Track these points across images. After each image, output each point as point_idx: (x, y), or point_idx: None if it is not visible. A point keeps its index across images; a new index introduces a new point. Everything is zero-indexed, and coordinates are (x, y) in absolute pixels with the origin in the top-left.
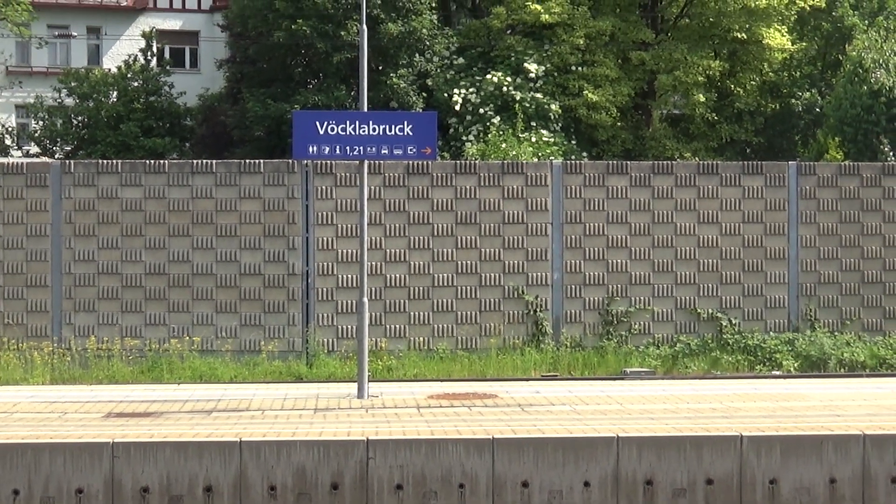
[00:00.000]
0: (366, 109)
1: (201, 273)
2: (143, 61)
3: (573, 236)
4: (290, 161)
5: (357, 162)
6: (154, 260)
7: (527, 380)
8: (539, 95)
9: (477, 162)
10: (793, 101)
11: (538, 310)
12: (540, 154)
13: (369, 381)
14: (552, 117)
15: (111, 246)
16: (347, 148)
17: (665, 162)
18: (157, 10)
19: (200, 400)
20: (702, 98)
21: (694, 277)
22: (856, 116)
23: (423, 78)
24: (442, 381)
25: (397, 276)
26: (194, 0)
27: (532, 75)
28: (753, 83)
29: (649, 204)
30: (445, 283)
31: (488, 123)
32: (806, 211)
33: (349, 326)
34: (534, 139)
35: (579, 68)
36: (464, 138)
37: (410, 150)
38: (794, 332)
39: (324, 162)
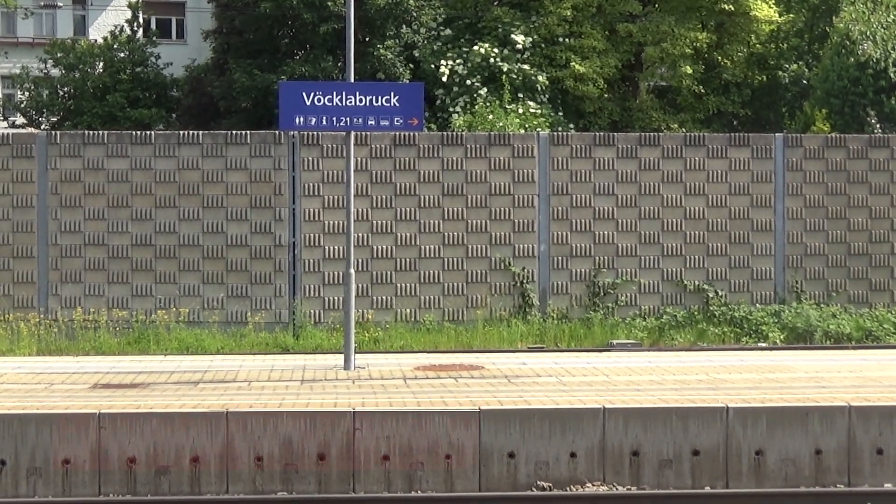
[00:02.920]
0: (352, 80)
1: (188, 244)
2: (129, 32)
3: (560, 208)
4: (277, 132)
5: (343, 133)
6: (140, 231)
7: (513, 351)
8: (526, 67)
9: (464, 133)
10: (780, 73)
11: (525, 281)
12: (527, 125)
13: (356, 352)
14: (539, 89)
15: (97, 217)
16: (334, 119)
17: (652, 134)
18: None
19: (187, 371)
20: (689, 70)
21: (680, 249)
22: (843, 88)
23: (410, 49)
24: (428, 352)
25: (384, 247)
26: None
27: (519, 47)
28: (740, 55)
29: (636, 175)
30: (432, 255)
31: (475, 95)
32: (792, 183)
33: (336, 298)
34: (521, 111)
35: (566, 40)
36: (451, 110)
37: (397, 121)
38: (780, 304)
39: (310, 133)
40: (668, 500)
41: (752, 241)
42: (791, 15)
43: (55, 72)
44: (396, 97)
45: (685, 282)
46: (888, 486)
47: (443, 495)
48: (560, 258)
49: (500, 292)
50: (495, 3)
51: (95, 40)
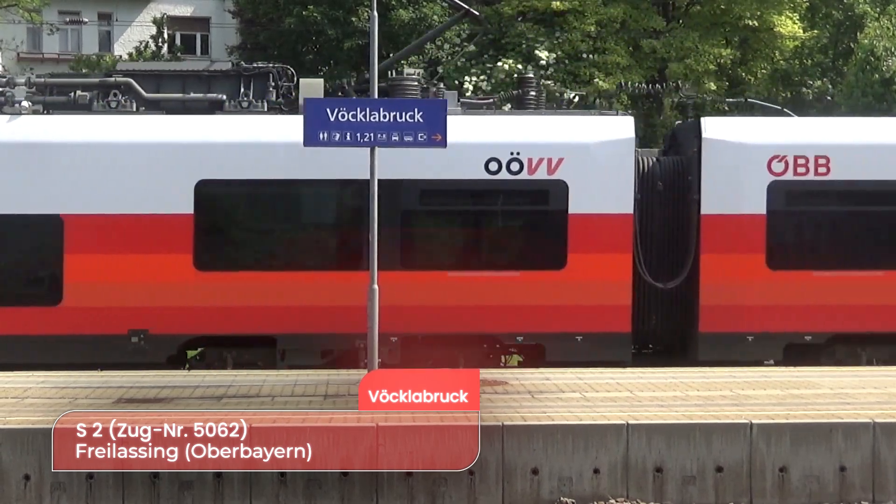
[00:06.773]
0: (376, 96)
1: None
2: (153, 48)
3: None
4: None
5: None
6: None
7: (537, 367)
8: (550, 83)
9: None
10: (804, 89)
11: None
12: None
13: (379, 367)
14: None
15: None
16: (358, 135)
17: None
18: None
19: (210, 386)
20: (713, 86)
21: None
22: (867, 105)
23: (434, 65)
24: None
25: None
26: None
27: (543, 62)
28: (765, 71)
29: None
30: None
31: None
32: None
33: None
34: None
35: (590, 56)
36: None
37: (421, 136)
38: None
39: None
40: None
41: None
42: (815, 31)
43: None
44: (420, 113)
45: None
46: None
47: None
48: None
49: None
50: (519, 19)
51: (120, 56)
